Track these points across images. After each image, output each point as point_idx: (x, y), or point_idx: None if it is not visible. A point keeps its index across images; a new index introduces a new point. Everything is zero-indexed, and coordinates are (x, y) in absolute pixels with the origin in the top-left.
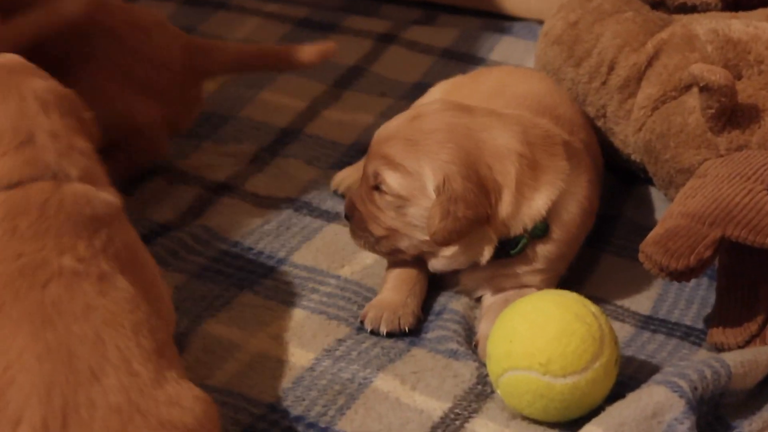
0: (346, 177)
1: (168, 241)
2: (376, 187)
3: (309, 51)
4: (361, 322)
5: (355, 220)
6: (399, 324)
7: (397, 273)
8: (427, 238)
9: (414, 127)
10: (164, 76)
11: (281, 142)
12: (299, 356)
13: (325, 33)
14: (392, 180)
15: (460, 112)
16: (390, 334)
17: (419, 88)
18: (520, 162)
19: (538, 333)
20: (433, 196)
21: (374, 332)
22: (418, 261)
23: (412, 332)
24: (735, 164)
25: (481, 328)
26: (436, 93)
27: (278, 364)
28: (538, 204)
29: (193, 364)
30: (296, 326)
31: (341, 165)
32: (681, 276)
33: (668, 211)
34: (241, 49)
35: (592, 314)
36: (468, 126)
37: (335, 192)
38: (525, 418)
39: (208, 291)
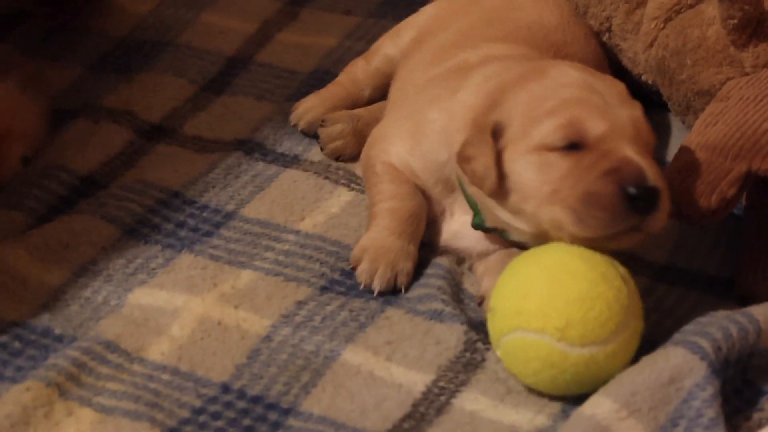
0: (310, 109)
1: (94, 201)
2: None
3: None
4: (352, 269)
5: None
6: (395, 281)
7: (396, 207)
8: None
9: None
10: None
11: (228, 73)
12: (252, 322)
13: None
14: None
15: None
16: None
17: (390, 4)
18: None
19: (558, 291)
20: None
21: (366, 287)
22: (419, 193)
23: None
24: (763, 84)
25: (487, 282)
26: (430, 10)
27: (227, 333)
28: None
29: (122, 336)
30: (247, 289)
31: (299, 97)
32: (701, 219)
33: (685, 142)
34: None
35: (621, 277)
36: None
37: (294, 127)
38: (522, 390)
39: (141, 251)
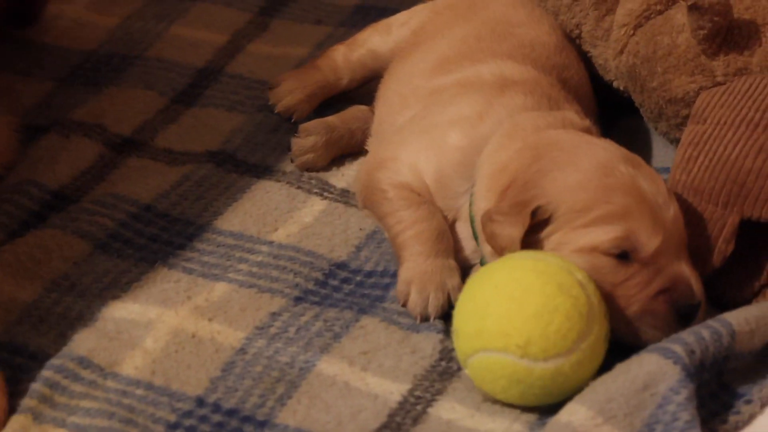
0: (290, 92)
1: (65, 215)
2: None
3: None
4: (403, 305)
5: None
6: (450, 301)
7: (420, 230)
8: None
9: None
10: None
11: (198, 84)
12: (226, 335)
13: None
14: None
15: None
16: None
17: (361, 13)
18: None
19: (515, 309)
20: None
21: (422, 319)
22: (438, 211)
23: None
24: (737, 103)
25: None
26: (424, 12)
27: (201, 346)
28: None
29: (95, 351)
30: (221, 302)
31: (270, 109)
32: (703, 275)
33: (671, 179)
34: None
35: (579, 284)
36: None
37: (271, 106)
38: (499, 400)
39: (114, 266)
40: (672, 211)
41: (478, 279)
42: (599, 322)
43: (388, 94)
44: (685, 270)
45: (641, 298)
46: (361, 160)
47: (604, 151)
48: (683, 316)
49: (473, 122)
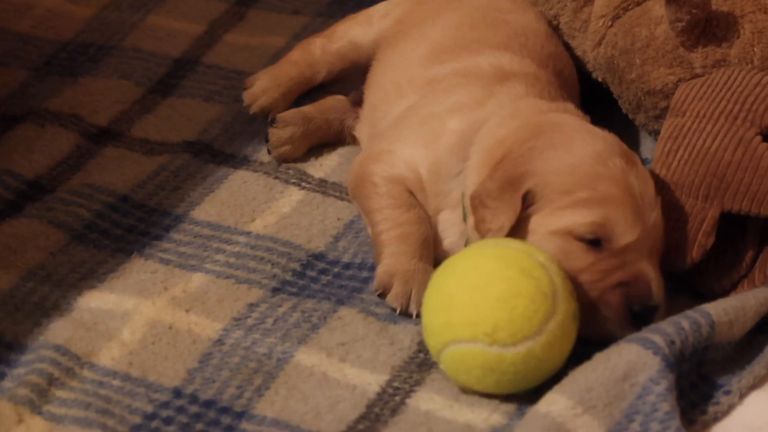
0: (264, 91)
1: (41, 205)
2: None
3: None
4: (380, 295)
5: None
6: None
7: (407, 232)
8: None
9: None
10: None
11: (175, 74)
12: (204, 326)
13: None
14: None
15: None
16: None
17: (339, 3)
18: None
19: (479, 297)
20: None
21: (402, 312)
22: (426, 217)
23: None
24: (716, 95)
25: None
26: (404, 5)
27: (179, 337)
28: None
29: (72, 340)
30: (198, 293)
31: None
32: (683, 270)
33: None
34: None
35: (540, 265)
36: None
37: (247, 107)
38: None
39: (90, 256)
40: (654, 215)
41: (441, 273)
42: (565, 301)
43: (381, 81)
44: (649, 271)
45: (600, 286)
46: (340, 150)
47: (603, 141)
48: (636, 314)
49: (473, 108)
